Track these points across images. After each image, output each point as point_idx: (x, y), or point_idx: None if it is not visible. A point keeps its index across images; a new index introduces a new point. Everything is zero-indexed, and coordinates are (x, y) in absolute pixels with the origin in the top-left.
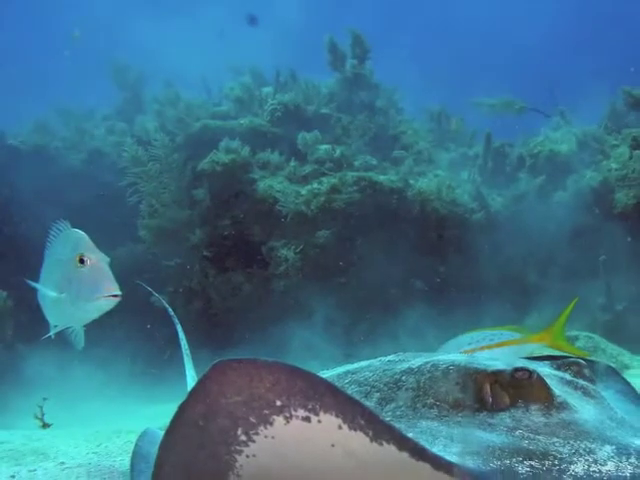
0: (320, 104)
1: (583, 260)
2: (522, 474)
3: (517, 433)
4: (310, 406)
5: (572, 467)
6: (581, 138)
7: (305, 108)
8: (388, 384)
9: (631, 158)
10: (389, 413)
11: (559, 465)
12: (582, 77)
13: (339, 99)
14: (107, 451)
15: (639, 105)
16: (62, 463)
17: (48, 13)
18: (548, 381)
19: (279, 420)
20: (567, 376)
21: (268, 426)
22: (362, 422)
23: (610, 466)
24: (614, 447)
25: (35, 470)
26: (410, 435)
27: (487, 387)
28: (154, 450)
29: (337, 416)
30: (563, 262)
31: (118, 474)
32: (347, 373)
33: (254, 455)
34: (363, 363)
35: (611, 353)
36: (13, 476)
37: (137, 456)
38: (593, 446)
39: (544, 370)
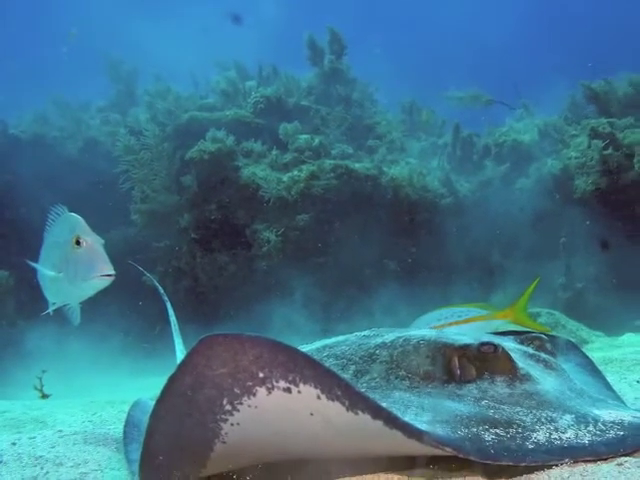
0: (300, 97)
1: (544, 242)
2: (488, 441)
3: (483, 403)
4: (290, 378)
5: (534, 435)
6: (543, 128)
7: (286, 100)
8: (363, 357)
9: (589, 147)
10: (364, 384)
11: (522, 433)
12: (544, 72)
13: (318, 92)
14: (101, 419)
15: (597, 98)
16: (60, 431)
17: (47, 13)
18: (512, 355)
19: (262, 391)
20: (530, 350)
21: (251, 396)
22: (339, 393)
23: (570, 433)
24: (573, 416)
25: (35, 437)
26: (384, 405)
27: (455, 360)
28: (145, 419)
29: (316, 387)
30: (526, 244)
31: (112, 441)
32: (325, 347)
33: (238, 423)
34: (340, 338)
35: (571, 329)
36: (14, 443)
37: (129, 424)
38: (554, 415)
39: (508, 344)
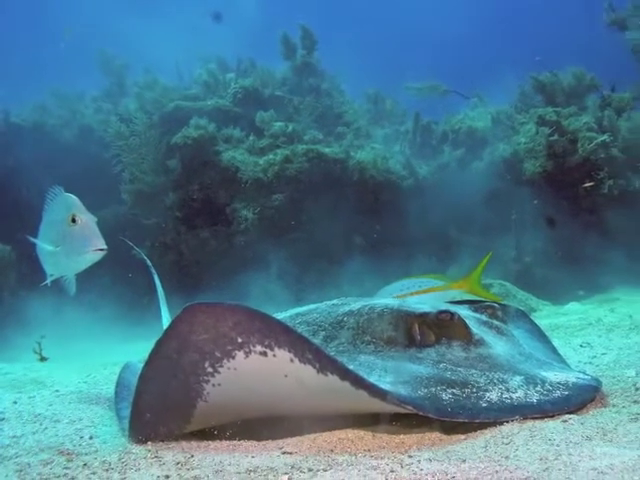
0: (275, 87)
1: (497, 219)
2: (445, 400)
3: (441, 365)
4: (267, 343)
5: (487, 394)
6: (495, 116)
7: (262, 91)
8: (332, 324)
9: (537, 133)
10: (333, 349)
11: (477, 392)
12: (496, 65)
13: (291, 83)
14: (95, 381)
15: (543, 89)
16: (57, 391)
17: (45, 10)
18: (467, 322)
19: (240, 354)
20: (483, 317)
21: (231, 359)
22: (310, 356)
23: (519, 393)
24: (523, 377)
25: (34, 396)
26: (351, 367)
27: (416, 327)
28: (134, 380)
29: (289, 351)
30: (480, 221)
31: (104, 400)
32: (298, 315)
33: (219, 384)
34: (311, 306)
35: (520, 298)
36: (15, 402)
37: (120, 385)
38: (505, 376)
39: (464, 312)
